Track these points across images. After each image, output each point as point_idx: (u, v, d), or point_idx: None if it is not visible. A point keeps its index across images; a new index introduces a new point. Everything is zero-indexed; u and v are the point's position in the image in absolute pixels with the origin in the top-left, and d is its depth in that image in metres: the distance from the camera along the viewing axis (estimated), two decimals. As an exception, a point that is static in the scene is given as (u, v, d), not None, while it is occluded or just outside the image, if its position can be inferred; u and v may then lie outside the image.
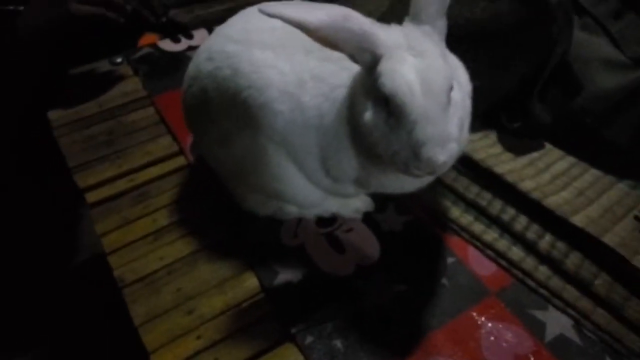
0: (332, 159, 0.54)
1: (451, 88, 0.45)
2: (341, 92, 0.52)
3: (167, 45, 0.99)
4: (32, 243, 1.11)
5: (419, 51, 0.45)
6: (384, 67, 0.44)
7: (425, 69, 0.44)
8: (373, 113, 0.46)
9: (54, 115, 0.86)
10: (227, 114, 0.58)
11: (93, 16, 0.80)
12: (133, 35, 1.05)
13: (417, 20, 0.46)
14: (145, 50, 0.98)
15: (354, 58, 0.47)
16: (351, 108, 0.50)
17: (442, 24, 0.47)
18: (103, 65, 0.96)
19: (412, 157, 0.44)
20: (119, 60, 0.96)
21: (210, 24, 1.07)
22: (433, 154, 0.43)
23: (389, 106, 0.44)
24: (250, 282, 0.63)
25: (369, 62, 0.46)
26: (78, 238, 1.09)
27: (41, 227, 1.12)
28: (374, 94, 0.46)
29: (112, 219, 0.71)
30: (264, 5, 0.43)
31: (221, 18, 0.65)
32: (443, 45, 0.47)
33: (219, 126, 0.60)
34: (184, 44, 0.99)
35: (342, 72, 0.52)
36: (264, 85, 0.54)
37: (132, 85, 0.92)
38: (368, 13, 1.08)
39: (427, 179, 0.54)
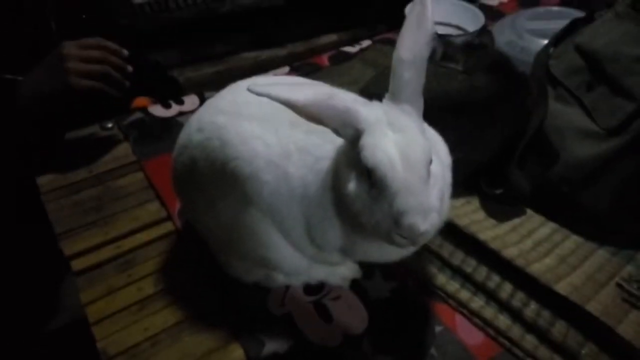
0: (317, 228, 0.55)
1: (430, 161, 0.47)
2: (325, 164, 0.54)
3: (157, 110, 1.01)
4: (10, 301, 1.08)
5: (399, 127, 0.47)
6: (366, 141, 0.47)
7: (405, 144, 0.46)
8: (356, 184, 0.48)
9: (43, 180, 0.87)
10: (215, 183, 0.59)
11: (92, 90, 0.82)
12: (126, 98, 1.08)
13: (396, 99, 0.48)
14: (136, 115, 1.00)
15: (337, 132, 0.49)
16: (335, 179, 0.52)
17: (419, 102, 0.50)
18: (94, 130, 0.97)
19: (393, 226, 0.45)
20: (109, 125, 0.98)
21: (201, 87, 1.10)
22: (414, 222, 0.44)
23: (371, 178, 0.46)
24: (236, 354, 0.62)
25: (352, 136, 0.48)
26: (60, 299, 1.06)
27: (22, 284, 1.09)
28: (357, 166, 0.48)
29: (97, 287, 0.70)
30: (253, 85, 0.45)
31: (211, 80, 0.68)
32: (421, 121, 0.50)
33: (207, 194, 0.61)
34: (174, 109, 1.02)
35: (326, 144, 0.54)
36: (251, 157, 0.56)
37: (122, 151, 0.93)
38: (354, 80, 1.13)
39: (410, 249, 0.55)
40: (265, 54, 2.11)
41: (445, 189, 0.52)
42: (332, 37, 2.21)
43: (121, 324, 0.66)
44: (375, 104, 0.50)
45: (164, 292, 0.70)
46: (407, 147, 0.46)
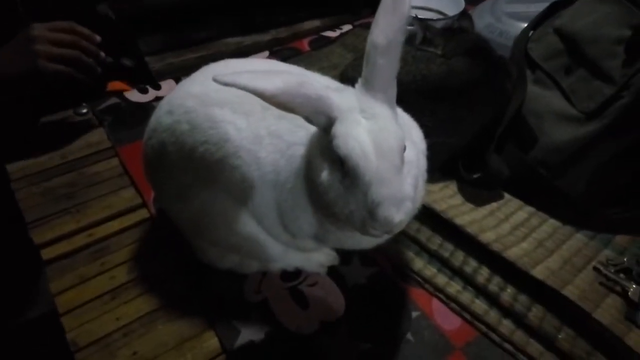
0: (289, 215, 0.54)
1: (404, 148, 0.46)
2: (298, 150, 0.52)
3: (133, 95, 0.99)
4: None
5: (371, 114, 0.46)
6: (338, 129, 0.45)
7: (377, 131, 0.45)
8: (329, 173, 0.47)
9: (13, 167, 0.84)
10: (185, 168, 0.58)
11: (61, 74, 0.80)
12: (100, 83, 1.05)
13: (369, 85, 0.47)
14: (111, 100, 0.97)
15: (310, 120, 0.47)
16: (308, 167, 0.50)
17: (393, 88, 0.48)
18: (67, 116, 0.95)
19: (368, 216, 0.44)
20: (84, 110, 0.95)
21: (183, 72, 1.07)
22: (389, 214, 0.43)
23: (344, 167, 0.45)
24: (211, 343, 0.61)
25: (325, 124, 0.47)
26: (39, 290, 1.04)
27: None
28: (330, 154, 0.46)
29: (68, 276, 0.69)
30: (218, 74, 0.43)
31: (194, 65, 0.66)
32: (394, 107, 0.48)
33: (177, 180, 0.59)
34: (151, 94, 0.99)
35: (298, 129, 0.53)
36: (220, 141, 0.54)
37: (97, 136, 0.91)
38: (333, 65, 1.11)
39: (384, 237, 0.54)
40: (249, 39, 2.07)
41: (420, 176, 0.51)
42: (315, 23, 2.18)
43: (92, 314, 0.64)
44: (348, 91, 0.48)
45: (138, 281, 0.68)
46: (380, 134, 0.44)
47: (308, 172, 0.51)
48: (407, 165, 0.46)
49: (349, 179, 0.45)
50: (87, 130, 0.92)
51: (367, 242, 0.56)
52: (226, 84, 0.43)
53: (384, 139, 0.44)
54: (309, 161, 0.51)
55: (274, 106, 0.46)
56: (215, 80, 0.43)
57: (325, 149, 0.47)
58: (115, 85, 1.09)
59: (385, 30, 0.46)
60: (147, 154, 0.63)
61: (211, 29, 2.03)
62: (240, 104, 0.55)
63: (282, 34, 2.11)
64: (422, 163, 0.54)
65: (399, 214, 0.43)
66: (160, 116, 0.61)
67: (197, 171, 0.56)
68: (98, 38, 0.84)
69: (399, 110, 0.57)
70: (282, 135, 0.53)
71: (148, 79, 1.05)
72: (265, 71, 0.45)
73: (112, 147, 0.88)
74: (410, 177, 0.46)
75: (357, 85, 0.48)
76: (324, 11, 2.21)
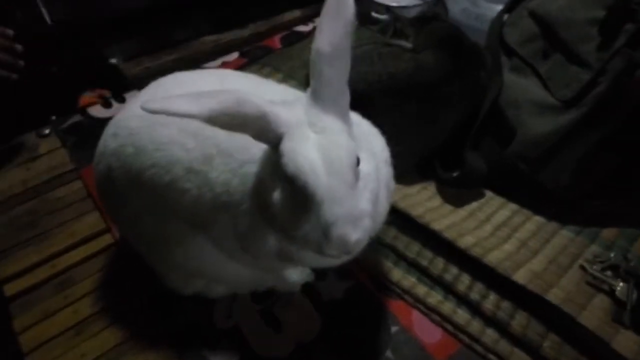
0: (247, 237, 0.51)
1: (357, 162, 0.42)
2: (251, 168, 0.49)
3: (97, 110, 0.95)
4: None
5: (321, 127, 0.42)
6: (285, 146, 0.41)
7: (327, 146, 0.41)
8: (281, 193, 0.43)
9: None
10: (135, 194, 0.54)
11: None
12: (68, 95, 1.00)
13: (317, 96, 0.43)
14: (74, 118, 0.93)
15: (256, 138, 0.44)
16: (259, 187, 0.47)
17: (344, 97, 0.44)
18: (29, 139, 0.91)
19: (323, 238, 0.40)
20: (46, 131, 0.91)
21: (161, 76, 1.03)
22: (344, 233, 0.39)
23: (294, 186, 0.41)
24: (179, 375, 0.58)
25: (273, 141, 0.43)
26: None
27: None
28: (280, 173, 0.42)
29: (32, 312, 0.65)
30: (146, 102, 0.39)
31: (171, 68, 0.62)
32: (347, 119, 0.44)
33: (128, 206, 0.56)
34: (115, 108, 0.95)
35: (251, 146, 0.49)
36: (168, 164, 0.51)
37: (60, 159, 0.87)
38: (304, 64, 1.07)
39: (344, 258, 0.50)
40: (227, 36, 2.01)
41: (381, 188, 0.47)
42: (295, 14, 2.10)
43: (57, 351, 0.61)
44: (296, 104, 0.44)
45: (103, 313, 0.65)
46: (330, 149, 0.41)
47: (261, 192, 0.47)
48: (363, 179, 0.43)
49: (300, 198, 0.41)
50: (49, 153, 0.88)
51: (330, 261, 0.53)
52: (156, 112, 0.39)
53: (335, 154, 0.41)
54: (259, 180, 0.47)
55: (218, 127, 0.42)
56: (144, 109, 0.39)
57: (275, 167, 0.43)
58: (85, 100, 1.04)
59: (330, 37, 0.42)
60: (97, 179, 0.59)
61: (187, 29, 1.97)
62: (187, 122, 0.51)
63: (261, 28, 2.05)
64: (384, 173, 0.50)
65: (356, 233, 0.40)
66: (106, 139, 0.57)
67: (146, 196, 0.53)
68: (10, 32, 0.78)
69: (357, 118, 0.53)
70: (234, 154, 0.50)
71: (119, 85, 1.01)
72: (199, 93, 0.41)
73: (75, 170, 0.84)
74: (367, 192, 0.43)
75: (305, 97, 0.44)
76: (304, 1, 2.15)
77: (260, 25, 2.13)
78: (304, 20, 1.23)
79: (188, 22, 2.02)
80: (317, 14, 1.39)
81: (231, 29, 2.05)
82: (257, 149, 0.49)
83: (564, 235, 0.66)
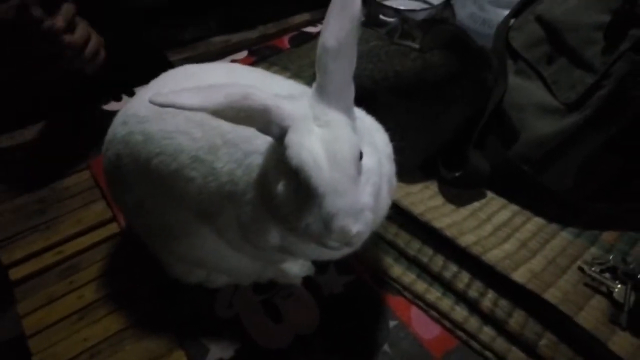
0: (250, 228, 0.52)
1: (361, 156, 0.43)
2: (255, 159, 0.50)
3: (107, 104, 0.96)
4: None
5: (325, 121, 0.43)
6: (289, 139, 0.42)
7: (331, 140, 0.42)
8: (284, 185, 0.44)
9: (-15, 184, 0.82)
10: (141, 181, 0.55)
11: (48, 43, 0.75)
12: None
13: (323, 91, 0.44)
14: (84, 109, 0.95)
15: (262, 131, 0.45)
16: (264, 179, 0.48)
17: (349, 93, 0.45)
18: (40, 128, 0.93)
19: (324, 229, 0.41)
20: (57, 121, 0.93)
21: None
22: (345, 225, 0.40)
23: (298, 179, 0.42)
24: (179, 362, 0.59)
25: (277, 134, 0.44)
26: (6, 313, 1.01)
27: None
28: (285, 165, 0.43)
29: (36, 297, 0.67)
30: (155, 95, 0.41)
31: None
32: (351, 113, 0.45)
33: (135, 193, 0.57)
34: (125, 102, 0.97)
35: (256, 138, 0.50)
36: (174, 152, 0.52)
37: (69, 148, 0.88)
38: (312, 63, 1.08)
39: (346, 250, 0.51)
40: (236, 37, 2.03)
41: (383, 183, 0.48)
42: (305, 16, 2.12)
43: (60, 335, 0.62)
44: (301, 98, 0.45)
45: (106, 299, 0.66)
46: (334, 143, 0.42)
47: (265, 183, 0.48)
48: (365, 173, 0.44)
49: (303, 190, 0.42)
50: (59, 142, 0.90)
51: (331, 253, 0.54)
52: (164, 106, 0.41)
53: (338, 147, 0.42)
54: (264, 173, 0.48)
55: (224, 120, 0.43)
56: (152, 102, 0.41)
57: (280, 160, 0.44)
58: None
59: (336, 33, 0.43)
60: (105, 166, 0.61)
61: (196, 29, 1.99)
62: (194, 112, 0.53)
63: (271, 30, 2.07)
64: (387, 169, 0.51)
65: (357, 225, 0.41)
66: (115, 127, 0.58)
67: (153, 184, 0.54)
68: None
69: (361, 113, 0.54)
70: (239, 144, 0.51)
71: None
72: (206, 87, 0.42)
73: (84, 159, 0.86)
74: (369, 186, 0.44)
75: (311, 92, 0.45)
76: (313, 3, 2.16)
77: (269, 27, 2.15)
78: (313, 23, 1.25)
79: (197, 23, 2.04)
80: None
81: (241, 30, 2.08)
82: (262, 140, 0.50)
83: (564, 237, 0.67)
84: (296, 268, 0.66)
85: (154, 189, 0.55)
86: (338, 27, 0.43)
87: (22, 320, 0.64)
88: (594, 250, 0.65)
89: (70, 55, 0.79)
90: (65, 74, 0.84)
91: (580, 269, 0.62)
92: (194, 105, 0.41)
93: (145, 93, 0.58)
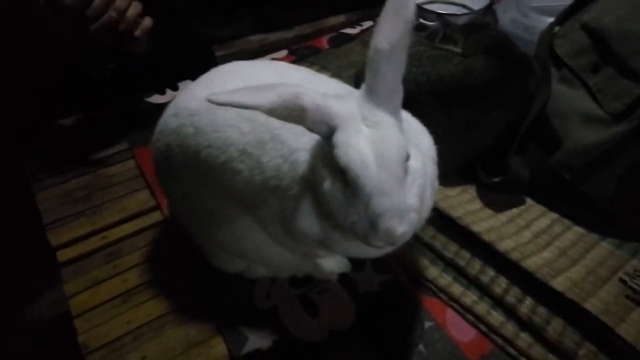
0: (292, 222, 0.53)
1: (407, 157, 0.44)
2: (301, 156, 0.51)
3: (151, 96, 0.99)
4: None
5: (374, 122, 0.44)
6: (338, 138, 0.44)
7: (379, 141, 0.43)
8: (331, 183, 0.45)
9: (31, 168, 0.86)
10: (190, 171, 0.57)
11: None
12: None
13: (372, 92, 0.45)
14: (129, 101, 0.98)
15: (311, 129, 0.46)
16: (312, 175, 0.49)
17: (398, 94, 0.46)
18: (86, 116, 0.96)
19: (369, 228, 0.42)
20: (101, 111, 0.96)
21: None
22: (391, 225, 0.41)
23: (346, 177, 0.43)
24: (218, 349, 0.61)
25: (326, 132, 0.45)
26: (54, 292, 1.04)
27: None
28: (332, 164, 0.45)
29: (82, 279, 0.69)
30: (213, 95, 0.42)
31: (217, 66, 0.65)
32: (399, 115, 0.46)
33: (183, 183, 0.59)
34: (168, 95, 1.00)
35: (302, 135, 0.51)
36: (223, 145, 0.54)
37: (115, 137, 0.91)
38: (351, 64, 1.09)
39: (388, 248, 0.52)
40: (272, 36, 2.05)
41: (427, 185, 0.49)
42: (340, 18, 2.13)
43: (104, 316, 0.65)
44: (349, 98, 0.46)
45: (149, 284, 0.68)
46: (382, 144, 0.43)
47: (312, 180, 0.49)
48: (411, 174, 0.44)
49: (350, 189, 0.43)
50: (104, 132, 0.93)
51: (372, 251, 0.54)
52: (221, 104, 0.42)
53: (386, 148, 0.43)
54: (313, 169, 0.49)
55: (275, 118, 0.45)
56: (210, 101, 0.42)
57: (327, 158, 0.46)
58: None
59: (389, 35, 0.44)
60: (155, 156, 0.63)
61: (233, 27, 2.02)
62: None
63: (306, 30, 2.09)
64: (431, 171, 0.51)
65: (402, 226, 0.41)
66: (166, 118, 0.60)
67: (201, 174, 0.56)
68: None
69: (407, 115, 0.54)
70: (286, 141, 0.52)
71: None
72: (260, 86, 0.43)
73: (129, 149, 0.89)
74: (414, 187, 0.44)
75: (360, 92, 0.46)
76: (349, 6, 2.17)
77: (305, 27, 2.17)
78: (349, 25, 1.26)
79: (234, 21, 2.08)
80: (362, 18, 1.41)
81: (277, 29, 2.10)
82: (308, 138, 0.51)
83: (605, 247, 0.66)
84: (333, 264, 0.67)
85: (201, 179, 0.56)
86: (391, 30, 0.43)
87: (69, 301, 0.67)
88: (635, 262, 0.64)
89: (114, 17, 0.81)
90: (117, 64, 0.86)
91: (622, 280, 0.61)
92: (251, 104, 0.42)
93: (196, 87, 0.60)
